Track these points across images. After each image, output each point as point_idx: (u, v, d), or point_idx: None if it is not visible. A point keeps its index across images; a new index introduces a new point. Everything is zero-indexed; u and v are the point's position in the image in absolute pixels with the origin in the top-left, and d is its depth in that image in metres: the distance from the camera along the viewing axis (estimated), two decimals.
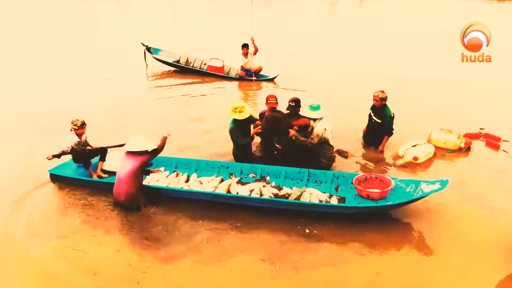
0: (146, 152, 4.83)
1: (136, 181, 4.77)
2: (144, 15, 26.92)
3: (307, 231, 4.47)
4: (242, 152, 5.84)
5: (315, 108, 5.49)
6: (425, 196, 4.51)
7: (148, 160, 4.90)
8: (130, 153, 4.84)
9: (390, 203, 4.61)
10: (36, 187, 5.38)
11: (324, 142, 5.54)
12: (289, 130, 5.41)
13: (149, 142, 4.86)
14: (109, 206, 4.99)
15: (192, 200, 5.02)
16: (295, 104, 5.73)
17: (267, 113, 5.77)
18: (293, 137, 5.37)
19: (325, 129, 5.47)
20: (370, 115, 6.51)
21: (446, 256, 4.13)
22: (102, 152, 5.66)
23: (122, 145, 5.82)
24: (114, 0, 36.63)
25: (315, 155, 5.58)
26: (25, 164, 5.96)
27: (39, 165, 5.57)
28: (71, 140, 5.39)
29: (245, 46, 10.56)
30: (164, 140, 5.01)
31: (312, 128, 5.58)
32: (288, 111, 5.87)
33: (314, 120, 5.56)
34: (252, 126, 5.83)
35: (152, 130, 6.86)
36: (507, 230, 4.48)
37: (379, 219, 4.69)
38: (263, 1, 35.07)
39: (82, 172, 5.61)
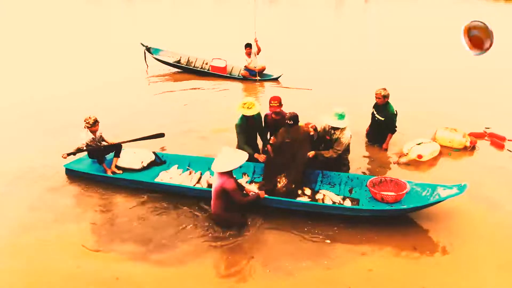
0: (230, 174, 4.38)
1: (222, 203, 4.35)
2: (147, 15, 26.95)
3: (328, 241, 4.31)
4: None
5: (342, 116, 5.19)
6: (441, 201, 4.41)
7: (233, 191, 4.29)
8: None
9: (405, 207, 4.50)
10: (51, 181, 5.48)
11: (346, 150, 5.47)
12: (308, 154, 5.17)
13: (236, 159, 4.36)
14: (113, 203, 5.01)
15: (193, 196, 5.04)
16: (293, 121, 5.21)
17: (270, 116, 5.66)
18: (315, 157, 5.17)
19: (351, 136, 5.36)
20: (373, 113, 6.51)
21: (446, 255, 4.12)
22: (117, 148, 5.70)
23: (136, 140, 5.84)
24: (120, 0, 36.77)
25: (337, 162, 5.47)
26: (41, 160, 6.04)
27: (55, 160, 5.63)
28: (86, 136, 5.45)
29: (248, 45, 10.50)
30: (254, 197, 4.54)
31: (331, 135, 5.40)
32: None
33: (339, 129, 5.28)
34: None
35: (152, 131, 6.82)
36: (509, 231, 4.46)
37: (383, 219, 4.62)
38: (268, 1, 35.24)
39: (97, 168, 5.64)
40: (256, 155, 5.33)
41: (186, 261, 4.04)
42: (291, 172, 5.04)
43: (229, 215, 4.44)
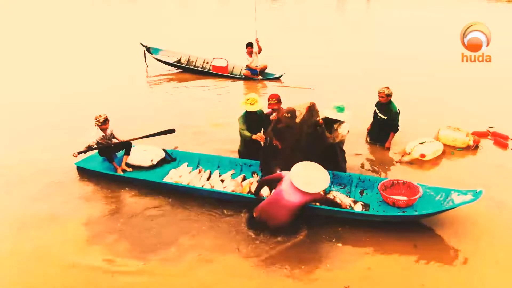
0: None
1: (296, 214, 4.26)
2: (149, 15, 27.01)
3: (337, 242, 4.25)
4: (246, 149, 5.76)
5: (341, 109, 5.18)
6: (455, 207, 4.25)
7: (324, 197, 4.47)
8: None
9: (416, 213, 4.38)
10: (61, 178, 5.54)
11: (341, 148, 5.42)
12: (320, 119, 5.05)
13: (325, 177, 4.36)
14: (120, 201, 5.04)
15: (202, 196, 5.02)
16: (291, 115, 5.00)
17: (273, 116, 5.59)
18: (320, 127, 4.99)
19: (348, 131, 5.30)
20: (375, 112, 6.49)
21: (447, 253, 4.09)
22: (127, 146, 5.69)
23: (146, 136, 5.85)
24: (122, 1, 36.88)
25: (336, 157, 5.38)
26: (51, 157, 6.13)
27: (67, 158, 5.68)
28: (96, 134, 5.44)
29: (249, 45, 10.47)
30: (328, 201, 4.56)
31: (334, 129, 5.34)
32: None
33: (338, 122, 5.23)
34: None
35: (153, 130, 6.84)
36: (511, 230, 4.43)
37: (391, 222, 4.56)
38: (270, 1, 35.33)
39: (107, 166, 5.65)
40: (254, 136, 5.28)
41: (184, 260, 4.01)
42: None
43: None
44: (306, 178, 4.29)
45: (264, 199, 4.51)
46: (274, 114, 5.37)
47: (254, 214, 4.41)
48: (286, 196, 4.24)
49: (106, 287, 3.69)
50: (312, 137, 4.97)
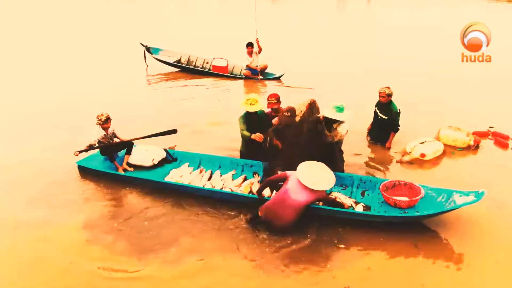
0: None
1: (301, 214, 4.28)
2: (149, 15, 27.02)
3: (338, 243, 4.23)
4: (247, 149, 5.74)
5: (341, 109, 5.17)
6: (457, 208, 4.24)
7: (328, 196, 4.51)
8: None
9: (418, 214, 4.36)
10: (63, 177, 5.56)
11: (339, 148, 5.40)
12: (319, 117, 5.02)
13: (331, 176, 4.48)
14: (121, 200, 5.05)
15: (196, 194, 5.03)
16: (291, 113, 5.00)
17: (275, 120, 5.56)
18: (320, 124, 4.95)
19: (347, 131, 5.28)
20: (375, 112, 6.49)
21: (447, 253, 4.08)
22: (128, 146, 5.69)
23: (148, 136, 5.85)
24: (122, 1, 36.88)
25: (334, 157, 5.29)
26: (53, 156, 6.16)
27: (69, 157, 5.70)
28: (98, 133, 5.44)
29: (249, 45, 10.47)
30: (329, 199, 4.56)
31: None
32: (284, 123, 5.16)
33: (338, 122, 5.22)
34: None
35: (152, 131, 6.85)
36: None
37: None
38: (270, 0, 35.34)
39: (109, 165, 5.66)
40: (252, 136, 5.27)
41: (184, 261, 4.00)
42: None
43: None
44: (312, 177, 4.32)
45: (266, 199, 4.51)
46: (276, 118, 5.35)
47: (259, 213, 4.40)
48: (293, 195, 4.25)
49: (106, 287, 3.69)
50: (312, 135, 4.96)
